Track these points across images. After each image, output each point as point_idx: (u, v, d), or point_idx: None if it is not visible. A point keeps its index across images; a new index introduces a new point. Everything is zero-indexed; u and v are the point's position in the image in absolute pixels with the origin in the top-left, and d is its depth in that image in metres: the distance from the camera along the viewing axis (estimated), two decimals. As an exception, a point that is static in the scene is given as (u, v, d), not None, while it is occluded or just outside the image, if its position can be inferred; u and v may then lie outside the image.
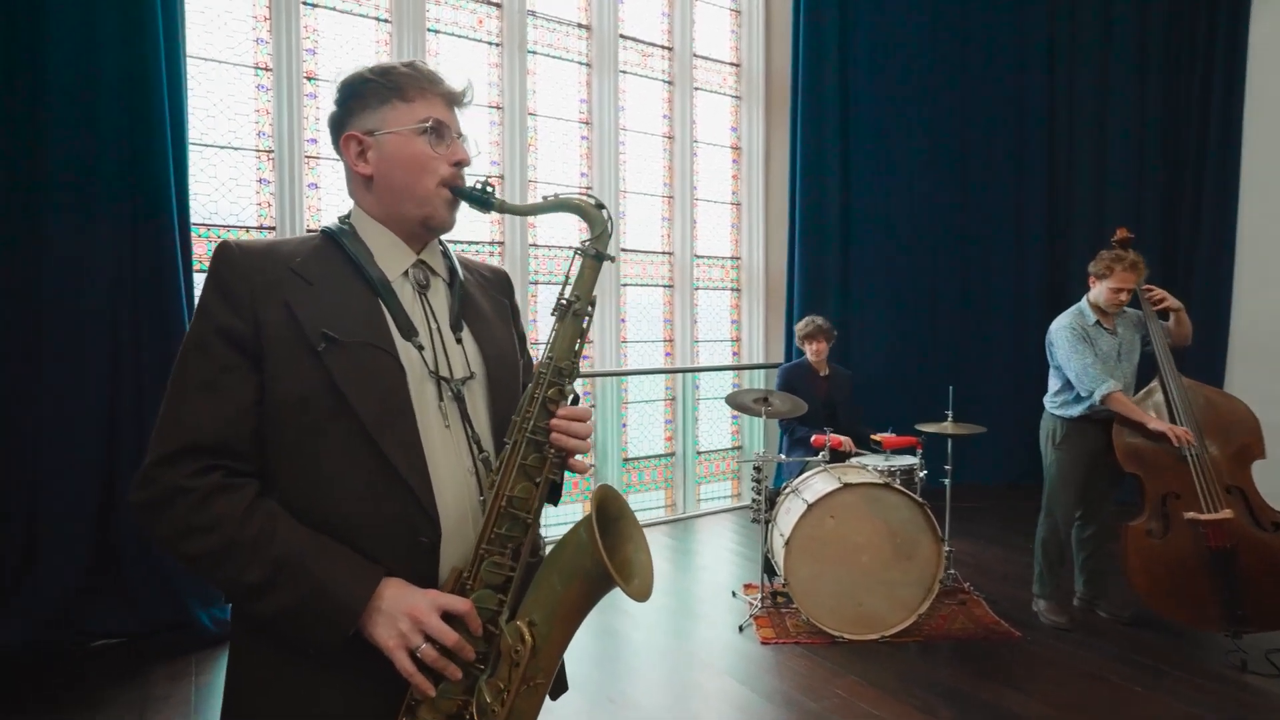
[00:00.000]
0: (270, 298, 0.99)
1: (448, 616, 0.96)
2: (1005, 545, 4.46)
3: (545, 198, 1.11)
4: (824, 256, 5.34)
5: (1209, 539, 2.98)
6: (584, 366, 4.91)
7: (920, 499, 3.19)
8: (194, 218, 3.68)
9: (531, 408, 1.04)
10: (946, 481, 3.71)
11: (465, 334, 1.12)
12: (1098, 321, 3.25)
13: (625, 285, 5.11)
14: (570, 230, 4.88)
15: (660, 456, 5.30)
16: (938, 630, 3.25)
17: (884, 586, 3.18)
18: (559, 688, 1.21)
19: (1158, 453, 3.08)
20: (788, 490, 3.43)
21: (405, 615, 0.94)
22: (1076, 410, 3.27)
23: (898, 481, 3.46)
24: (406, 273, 1.10)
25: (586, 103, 4.95)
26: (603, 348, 4.97)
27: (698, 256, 5.43)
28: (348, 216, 1.12)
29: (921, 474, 3.55)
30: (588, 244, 1.09)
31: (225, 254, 1.01)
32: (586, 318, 1.09)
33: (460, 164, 1.09)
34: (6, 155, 2.95)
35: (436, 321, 1.09)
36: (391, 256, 1.09)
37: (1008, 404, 5.54)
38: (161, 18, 3.18)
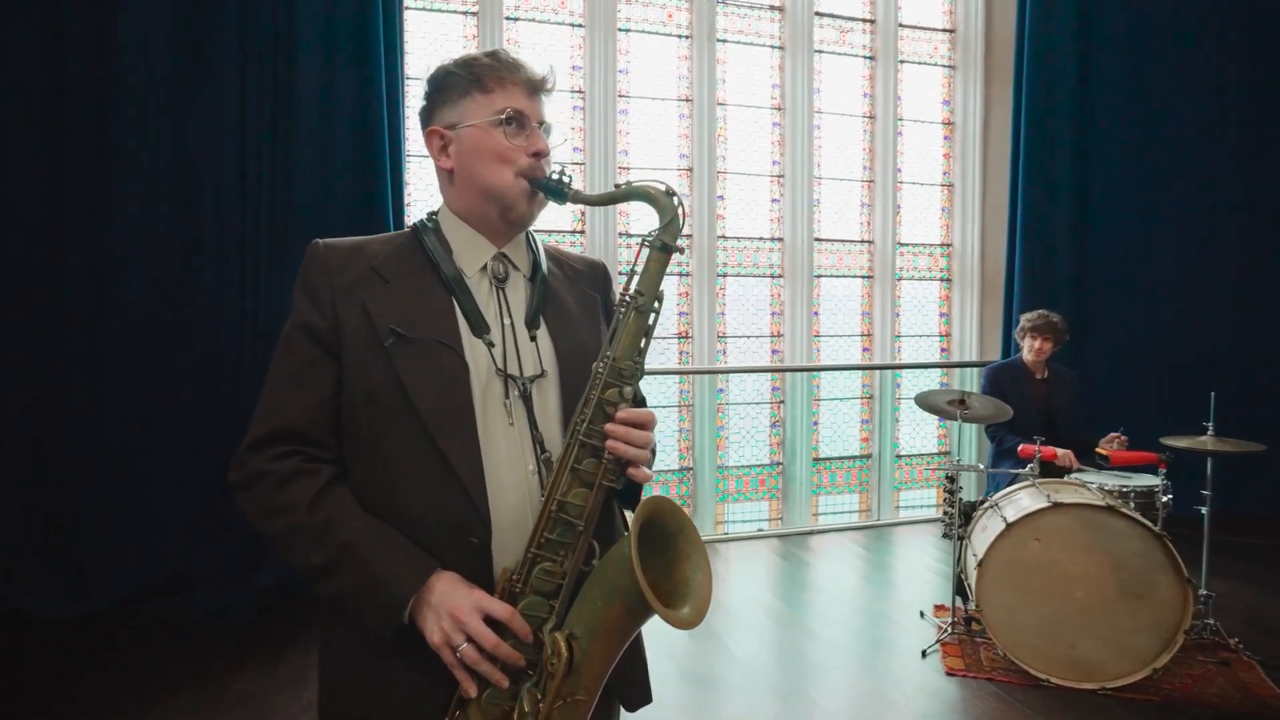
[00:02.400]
0: (350, 296, 1.00)
1: (492, 620, 0.91)
2: (1295, 594, 3.50)
3: (617, 185, 1.02)
4: (1052, 245, 4.58)
5: None
6: (773, 360, 4.73)
7: (1158, 529, 2.56)
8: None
9: (586, 409, 0.96)
10: (1204, 510, 2.96)
11: (542, 330, 1.07)
12: None
13: (819, 276, 4.78)
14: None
15: (855, 458, 4.90)
16: (1184, 692, 2.60)
17: (1106, 629, 2.60)
18: (639, 699, 1.12)
19: None
20: (987, 505, 2.95)
21: (449, 614, 0.91)
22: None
23: (1131, 505, 2.83)
24: (485, 267, 1.06)
25: (779, 87, 4.69)
26: (793, 342, 4.70)
27: (901, 244, 4.93)
28: (436, 213, 1.10)
29: (1165, 499, 2.87)
30: (654, 234, 0.98)
31: (313, 254, 1.04)
32: (653, 314, 0.98)
33: (539, 154, 1.03)
34: (268, 180, 3.41)
35: (511, 317, 1.05)
36: (471, 251, 1.06)
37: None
38: (384, 43, 3.51)
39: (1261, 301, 4.69)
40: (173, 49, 3.31)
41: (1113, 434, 3.26)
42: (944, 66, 5.01)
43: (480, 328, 1.01)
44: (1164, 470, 2.89)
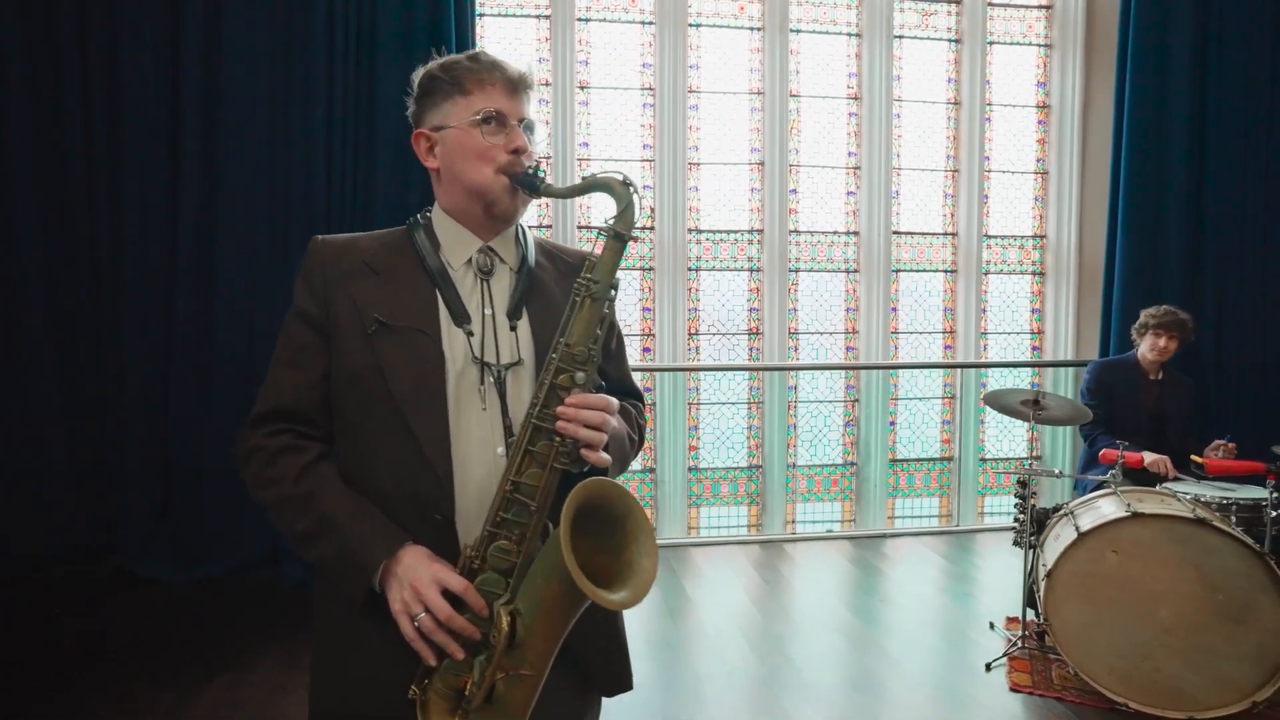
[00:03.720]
0: (342, 286, 1.07)
1: (451, 594, 0.96)
2: None
3: (583, 178, 1.05)
4: (1158, 240, 4.20)
5: None
6: (847, 358, 4.57)
7: (1259, 546, 2.31)
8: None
9: (540, 393, 0.99)
10: (1325, 527, 2.64)
11: (523, 321, 1.10)
12: None
13: (897, 271, 4.58)
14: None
15: (935, 460, 4.67)
16: (1288, 727, 2.33)
17: (1197, 654, 2.37)
18: (617, 685, 1.14)
19: None
20: (1062, 512, 2.74)
21: (410, 584, 0.96)
22: None
23: (1231, 520, 2.57)
24: (471, 260, 1.11)
25: (855, 76, 4.53)
26: (869, 338, 4.53)
27: (989, 236, 4.65)
28: (430, 210, 1.16)
29: (1275, 514, 2.57)
30: (610, 223, 1.01)
31: (312, 249, 1.12)
32: (607, 302, 1.02)
33: (518, 151, 1.06)
34: (350, 186, 3.62)
35: (493, 308, 1.09)
36: (458, 246, 1.11)
37: None
38: (456, 48, 3.64)
39: None
40: (269, 59, 3.58)
41: (1218, 441, 2.96)
42: (1039, 45, 4.68)
43: (461, 317, 1.06)
44: (1274, 481, 2.60)
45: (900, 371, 4.60)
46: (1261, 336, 4.19)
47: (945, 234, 4.65)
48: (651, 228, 4.37)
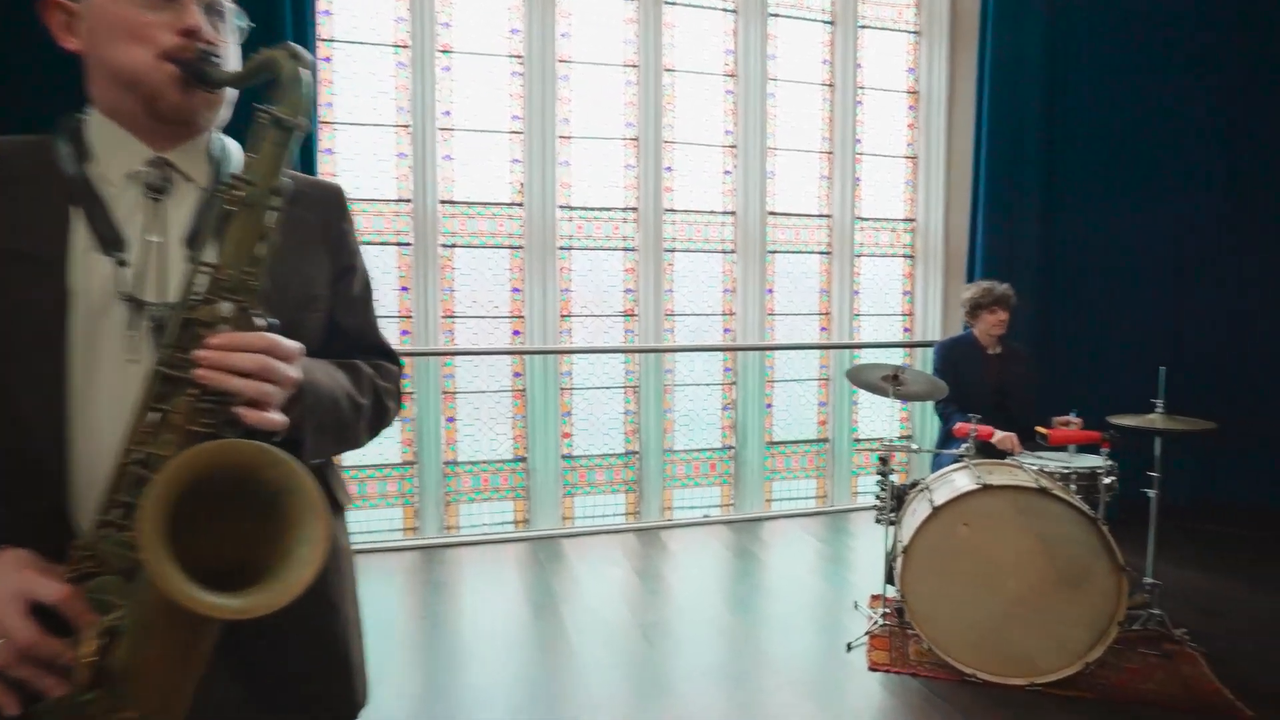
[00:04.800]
0: None
1: (46, 608, 0.71)
2: (1258, 585, 3.32)
3: (250, 56, 0.82)
4: (1016, 221, 4.36)
5: None
6: (724, 339, 4.54)
7: (1094, 512, 2.38)
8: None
9: (173, 332, 0.76)
10: (1151, 493, 2.78)
11: (210, 253, 0.85)
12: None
13: (774, 252, 4.58)
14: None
15: (811, 442, 4.72)
16: (1121, 687, 2.43)
17: (1040, 620, 2.43)
18: (341, 709, 0.93)
19: None
20: (920, 488, 2.77)
21: None
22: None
23: (1071, 488, 2.65)
24: (139, 174, 0.85)
25: (732, 53, 4.48)
26: (745, 320, 4.50)
27: (861, 219, 4.73)
28: (88, 110, 0.90)
29: (1109, 480, 2.68)
30: (270, 107, 0.79)
31: None
32: (270, 210, 0.78)
33: (190, 33, 0.82)
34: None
35: (166, 235, 0.84)
36: (118, 154, 0.86)
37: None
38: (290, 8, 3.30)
39: (1226, 284, 4.51)
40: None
41: (1066, 416, 3.07)
42: (909, 32, 4.79)
43: (111, 243, 0.81)
44: (1108, 450, 2.70)
45: (777, 353, 4.61)
46: (1108, 310, 4.44)
47: (820, 215, 4.68)
48: (520, 203, 4.17)
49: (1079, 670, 2.38)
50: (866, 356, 4.77)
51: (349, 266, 0.98)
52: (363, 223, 3.92)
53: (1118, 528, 2.58)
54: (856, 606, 3.06)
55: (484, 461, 4.21)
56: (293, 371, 0.78)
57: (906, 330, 4.86)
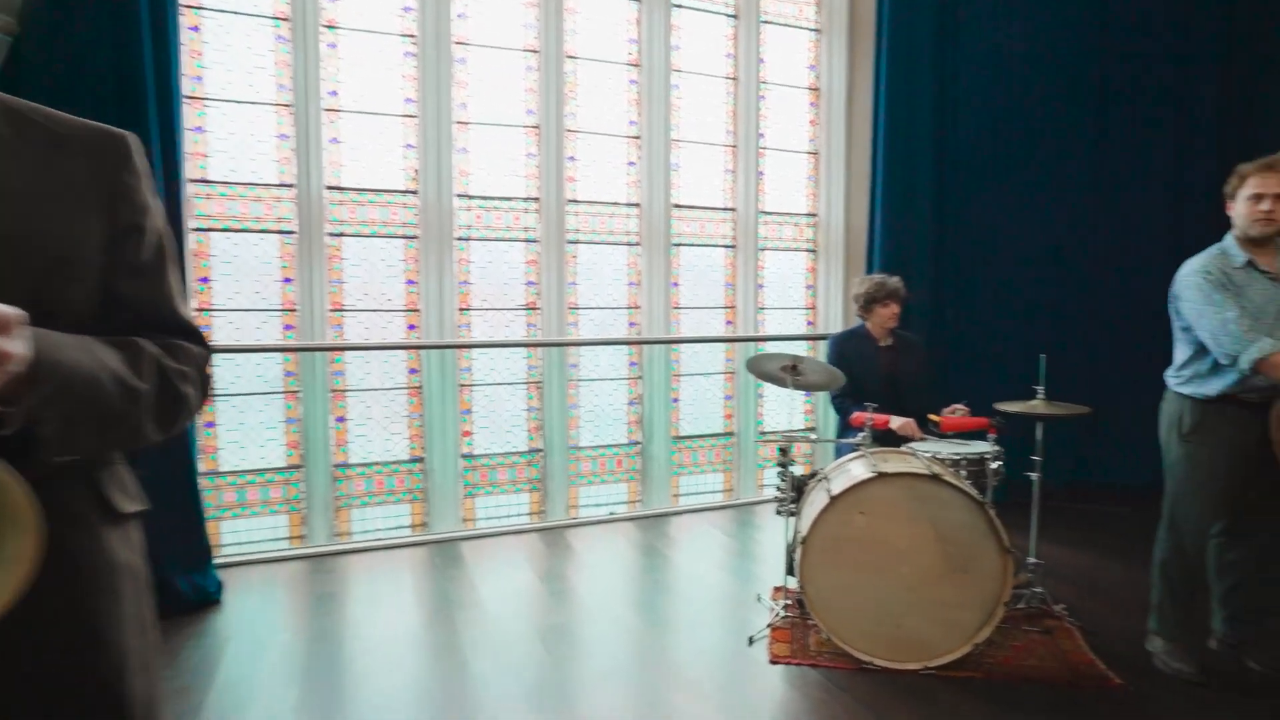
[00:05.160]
0: None
1: None
2: (1129, 561, 3.52)
3: None
4: (912, 215, 4.49)
5: None
6: (629, 333, 4.48)
7: (982, 497, 2.44)
8: (213, 174, 3.59)
9: None
10: (1034, 476, 2.89)
11: None
12: (1250, 262, 2.33)
13: (679, 245, 4.55)
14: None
15: (718, 436, 4.71)
16: (1006, 665, 2.50)
17: (932, 605, 2.47)
18: None
19: (1338, 449, 2.15)
20: (818, 478, 2.78)
21: None
22: (1214, 387, 2.38)
23: (962, 474, 2.72)
24: None
25: (636, 42, 4.41)
26: (651, 313, 4.45)
27: (765, 213, 4.76)
28: None
29: (996, 465, 2.77)
30: None
31: None
32: None
33: None
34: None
35: None
36: None
37: (1154, 386, 4.48)
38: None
39: (1098, 275, 4.80)
40: None
41: (955, 405, 3.16)
42: (810, 30, 4.85)
43: None
44: (994, 436, 2.79)
45: (683, 347, 4.58)
46: (994, 301, 4.64)
47: (725, 209, 4.68)
48: (415, 191, 3.96)
49: (969, 651, 2.44)
50: (771, 350, 4.81)
51: (133, 226, 0.83)
52: (239, 208, 3.64)
53: (1004, 510, 2.67)
54: (759, 599, 3.05)
55: (378, 463, 3.99)
56: (10, 344, 0.62)
57: (810, 324, 4.93)
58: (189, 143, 3.42)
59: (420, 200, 3.96)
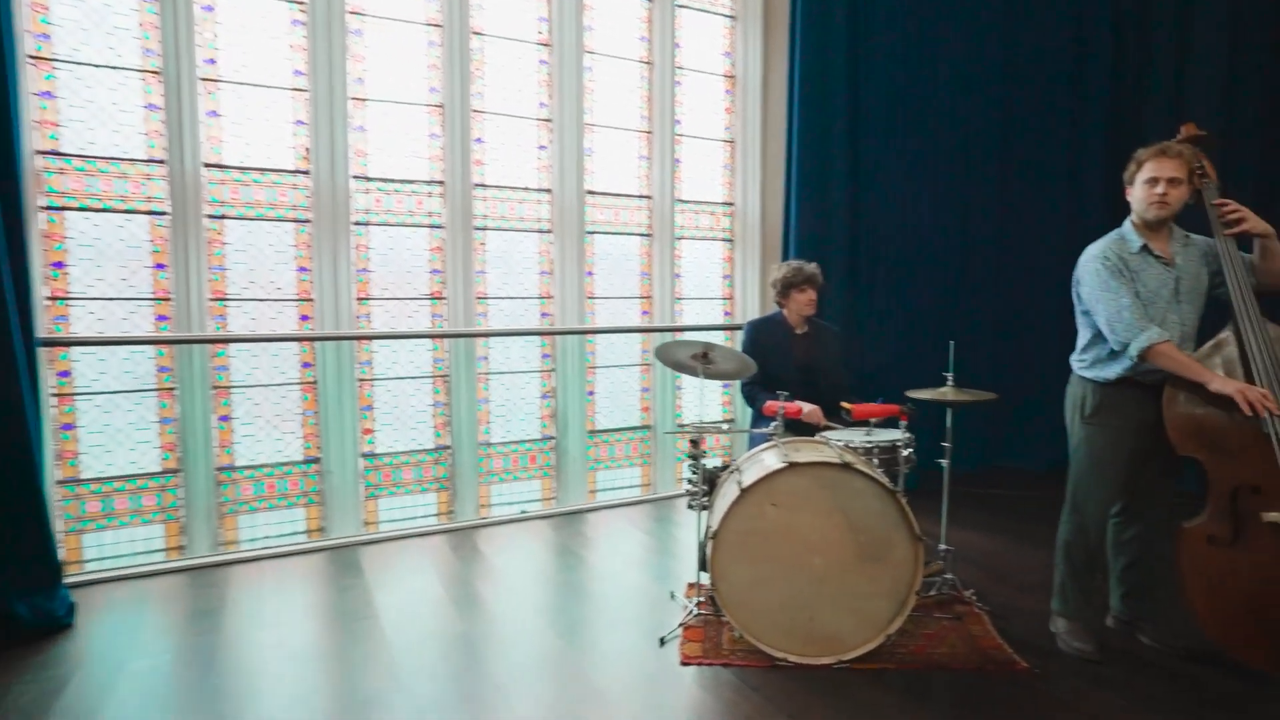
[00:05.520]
0: None
1: None
2: (1035, 544, 3.59)
3: None
4: (827, 203, 4.47)
5: (1300, 550, 2.10)
6: (542, 324, 4.29)
7: (891, 485, 2.39)
8: (65, 147, 3.20)
9: None
10: (944, 463, 2.88)
11: None
12: (1145, 247, 2.36)
13: (593, 233, 4.39)
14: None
15: (636, 429, 4.59)
16: (918, 654, 2.46)
17: (845, 598, 2.40)
18: None
19: (1227, 427, 2.19)
20: (731, 470, 2.68)
21: None
22: (1113, 371, 2.40)
23: (874, 462, 2.67)
24: None
25: (546, 21, 4.21)
26: (564, 303, 4.28)
27: (681, 201, 4.66)
28: None
29: (907, 453, 2.74)
30: None
31: None
32: None
33: None
34: None
35: None
36: None
37: (1057, 371, 4.62)
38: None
39: (1001, 265, 4.93)
40: None
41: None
42: (725, 16, 4.77)
43: None
44: (906, 423, 2.76)
45: (598, 338, 4.43)
46: (906, 289, 4.69)
47: (640, 197, 4.55)
48: (306, 171, 3.66)
49: (882, 643, 2.39)
50: (688, 337, 4.71)
51: None
52: (101, 185, 3.27)
53: (916, 497, 2.64)
54: (673, 597, 2.94)
55: (268, 465, 3.68)
56: None
57: (727, 314, 4.86)
58: (34, 109, 3.04)
59: (313, 181, 3.67)
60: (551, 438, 4.33)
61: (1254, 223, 2.24)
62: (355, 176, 3.78)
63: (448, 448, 4.05)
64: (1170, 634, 2.52)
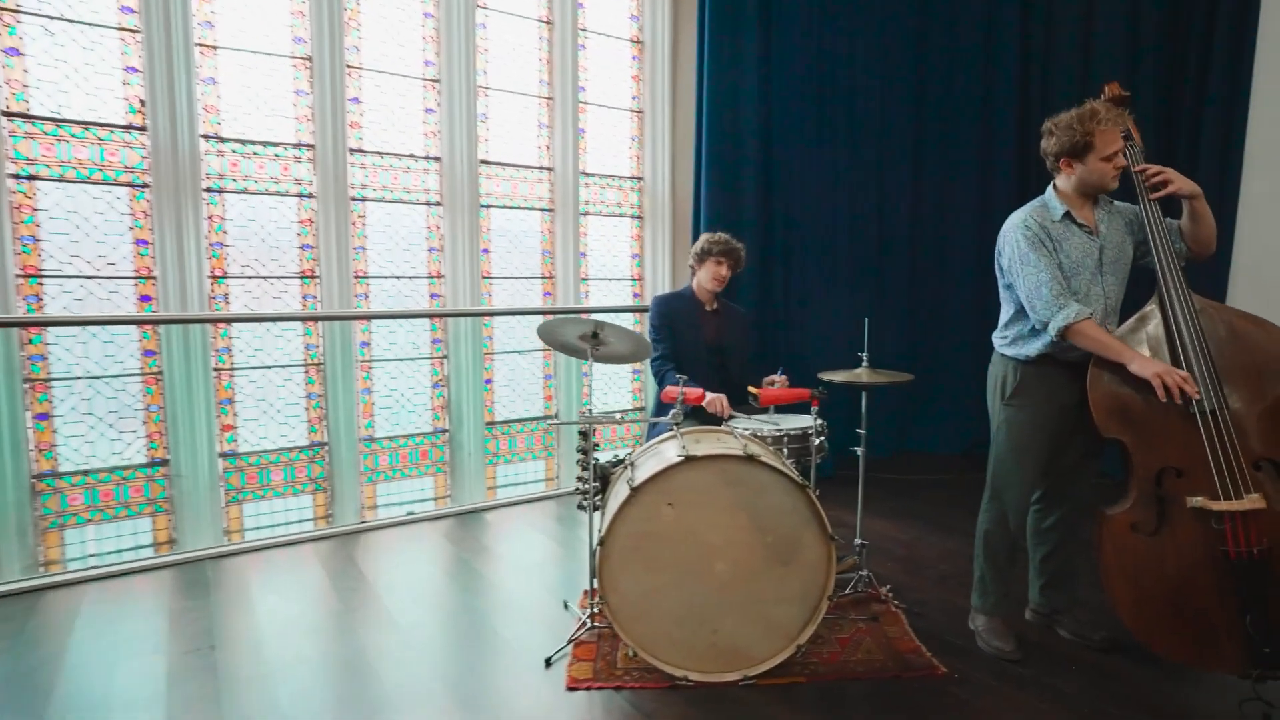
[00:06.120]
0: None
1: None
2: (950, 531, 3.42)
3: None
4: (738, 178, 4.20)
5: (1226, 539, 1.93)
6: (431, 305, 3.85)
7: (801, 479, 2.11)
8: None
9: None
10: (860, 451, 2.63)
11: None
12: (1068, 214, 2.16)
13: (488, 206, 3.98)
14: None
15: (539, 419, 4.22)
16: (832, 663, 2.21)
17: (752, 606, 2.12)
18: None
19: (1151, 408, 2.01)
20: (624, 464, 2.35)
21: None
22: (1034, 348, 2.19)
23: (784, 453, 2.39)
24: None
25: (431, -30, 3.76)
26: (456, 283, 3.86)
27: (586, 174, 4.29)
28: None
29: (819, 441, 2.48)
30: None
31: None
32: None
33: None
34: None
35: None
36: None
37: (972, 353, 4.51)
38: None
39: (914, 247, 4.79)
40: None
41: (772, 376, 2.85)
42: (631, -23, 4.41)
43: None
44: (817, 408, 2.49)
45: (495, 321, 4.03)
46: (832, 267, 4.48)
47: (541, 168, 4.16)
48: (143, 128, 3.11)
49: (792, 654, 2.12)
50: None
51: None
52: None
53: (828, 487, 2.39)
54: (566, 607, 2.61)
55: (102, 470, 3.14)
56: None
57: (636, 295, 4.54)
58: None
59: (151, 140, 3.12)
60: (445, 431, 3.91)
61: (1180, 183, 2.06)
62: (206, 136, 3.25)
63: (324, 444, 3.58)
64: (1089, 625, 2.35)
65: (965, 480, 4.14)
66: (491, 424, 4.04)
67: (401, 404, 3.80)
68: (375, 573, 3.04)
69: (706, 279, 3.02)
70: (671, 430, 2.31)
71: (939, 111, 4.74)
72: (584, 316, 2.38)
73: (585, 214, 4.29)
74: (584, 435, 2.34)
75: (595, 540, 2.11)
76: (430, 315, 3.84)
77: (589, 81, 4.27)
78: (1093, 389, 2.08)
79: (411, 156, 3.76)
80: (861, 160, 4.56)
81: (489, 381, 4.03)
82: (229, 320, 3.34)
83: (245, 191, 3.37)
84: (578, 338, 2.37)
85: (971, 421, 4.59)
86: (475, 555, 3.25)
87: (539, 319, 4.13)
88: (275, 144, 3.42)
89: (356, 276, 3.63)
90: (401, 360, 3.78)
